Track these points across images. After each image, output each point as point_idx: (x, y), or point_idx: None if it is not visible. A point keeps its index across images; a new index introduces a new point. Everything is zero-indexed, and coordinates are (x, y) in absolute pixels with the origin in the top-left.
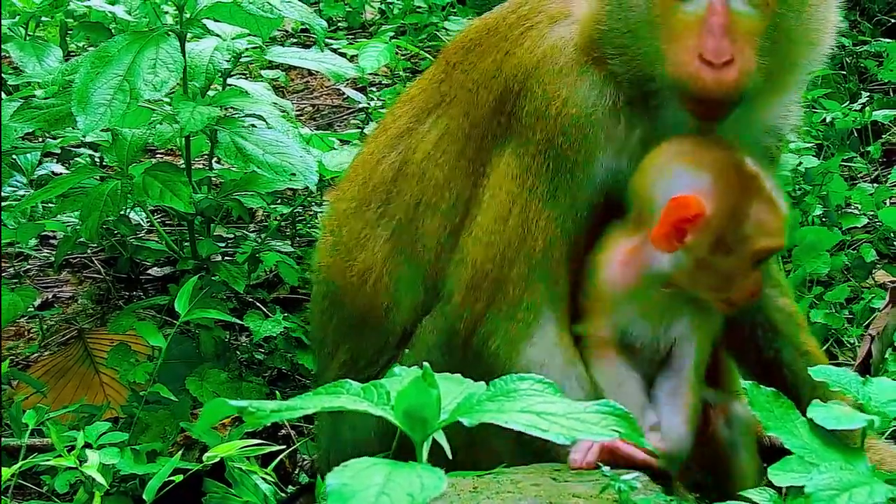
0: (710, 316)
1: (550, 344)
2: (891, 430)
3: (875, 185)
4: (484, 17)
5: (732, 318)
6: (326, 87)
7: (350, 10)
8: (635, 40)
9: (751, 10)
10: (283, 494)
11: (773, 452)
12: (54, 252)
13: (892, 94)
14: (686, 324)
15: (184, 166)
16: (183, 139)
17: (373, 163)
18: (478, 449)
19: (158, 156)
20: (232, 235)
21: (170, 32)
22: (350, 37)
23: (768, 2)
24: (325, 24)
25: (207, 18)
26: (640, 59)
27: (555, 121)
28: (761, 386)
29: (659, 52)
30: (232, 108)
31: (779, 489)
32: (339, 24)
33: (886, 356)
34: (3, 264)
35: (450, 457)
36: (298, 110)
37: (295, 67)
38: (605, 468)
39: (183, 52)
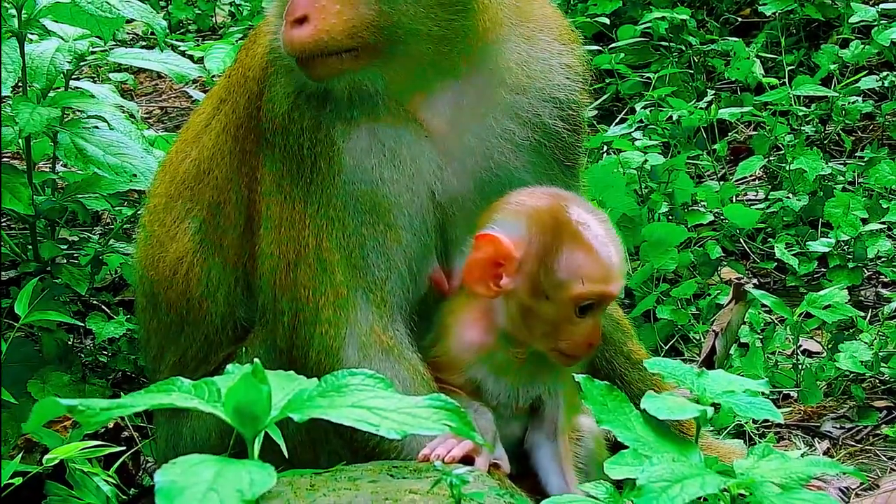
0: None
1: (362, 342)
2: (734, 426)
3: (721, 182)
4: None
5: None
6: (175, 89)
7: (199, 12)
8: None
9: None
10: (125, 496)
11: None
12: None
13: (738, 92)
14: (549, 381)
15: (25, 168)
16: (23, 141)
17: (177, 161)
18: (318, 449)
19: (3, 159)
20: (76, 238)
21: (8, 33)
22: (199, 39)
23: None
24: (165, 24)
25: (48, 19)
26: None
27: (283, 120)
28: (595, 379)
29: None
30: (77, 110)
31: (617, 483)
32: (189, 26)
33: (731, 352)
34: None
35: (285, 454)
36: (146, 113)
37: (144, 70)
38: (438, 463)
39: (22, 53)
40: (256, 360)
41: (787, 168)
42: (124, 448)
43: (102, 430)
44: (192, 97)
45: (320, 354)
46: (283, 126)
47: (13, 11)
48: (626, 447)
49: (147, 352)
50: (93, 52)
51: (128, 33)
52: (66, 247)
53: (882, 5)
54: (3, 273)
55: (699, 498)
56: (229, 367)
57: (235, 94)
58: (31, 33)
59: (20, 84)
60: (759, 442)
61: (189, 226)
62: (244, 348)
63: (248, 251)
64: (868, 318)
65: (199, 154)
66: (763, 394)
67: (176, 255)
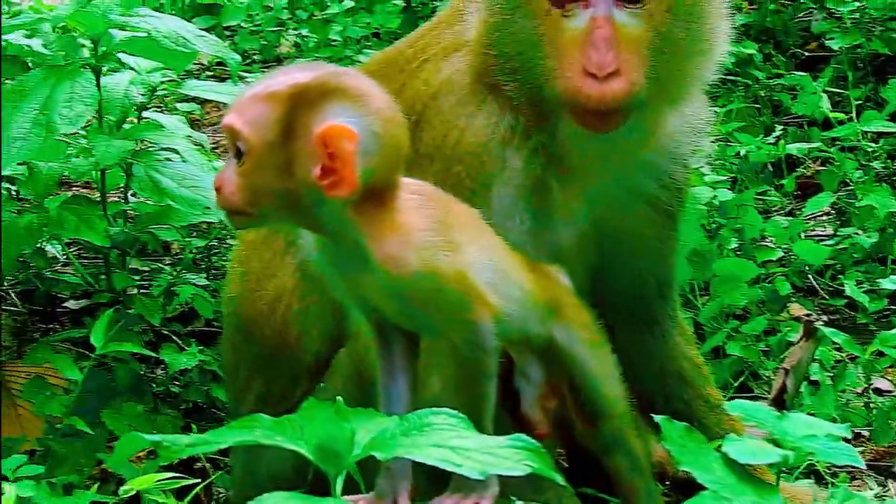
0: None
1: None
2: (805, 466)
3: (790, 218)
4: (385, 51)
5: (642, 365)
6: None
7: (265, 43)
8: (524, 61)
9: (635, 21)
10: None
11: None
12: None
13: (805, 127)
14: None
15: (99, 199)
16: (98, 172)
17: None
18: None
19: (75, 189)
20: (147, 268)
21: (85, 66)
22: (265, 70)
23: (653, 13)
24: (238, 57)
25: (123, 52)
26: (531, 80)
27: (452, 150)
28: (674, 421)
29: (547, 69)
30: (148, 141)
31: None
32: (255, 56)
33: (801, 390)
34: None
35: (363, 491)
36: (214, 143)
37: (210, 100)
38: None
39: (98, 85)
40: (339, 397)
41: (857, 204)
42: (198, 479)
43: (176, 460)
44: None
45: None
46: (455, 158)
47: (89, 44)
48: (705, 488)
49: (234, 381)
50: (162, 83)
51: (195, 63)
52: (137, 277)
53: None
54: (75, 303)
55: None
56: (307, 402)
57: None
58: (105, 66)
59: (95, 117)
60: (831, 482)
61: (289, 261)
62: (333, 366)
63: None
64: None
65: None
66: (844, 438)
67: (274, 294)
